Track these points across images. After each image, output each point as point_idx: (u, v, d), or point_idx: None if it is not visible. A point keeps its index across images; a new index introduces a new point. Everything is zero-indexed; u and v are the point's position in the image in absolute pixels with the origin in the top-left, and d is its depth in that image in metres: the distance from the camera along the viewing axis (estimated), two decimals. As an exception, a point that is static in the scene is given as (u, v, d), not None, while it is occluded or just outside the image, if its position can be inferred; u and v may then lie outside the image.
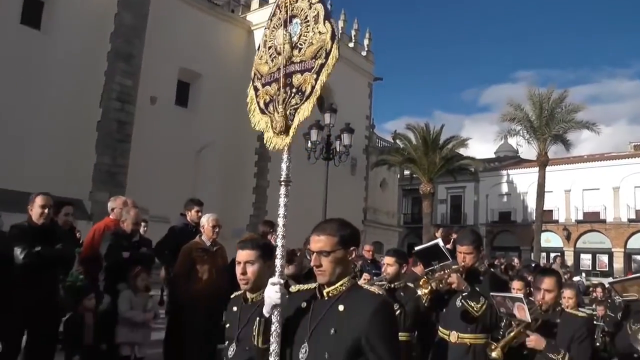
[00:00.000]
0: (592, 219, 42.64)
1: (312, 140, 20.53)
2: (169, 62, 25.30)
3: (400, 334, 5.44)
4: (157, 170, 23.42)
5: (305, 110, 3.10)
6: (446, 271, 5.13)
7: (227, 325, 3.65)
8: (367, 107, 38.39)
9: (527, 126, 34.85)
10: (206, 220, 7.25)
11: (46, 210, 6.12)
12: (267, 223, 8.75)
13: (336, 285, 2.94)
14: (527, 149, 42.24)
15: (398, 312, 5.42)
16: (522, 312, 4.42)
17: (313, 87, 3.07)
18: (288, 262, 7.58)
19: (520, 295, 4.68)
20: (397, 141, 37.15)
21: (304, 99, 3.11)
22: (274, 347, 2.96)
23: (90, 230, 7.65)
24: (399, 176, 43.78)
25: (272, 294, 2.96)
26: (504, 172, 48.72)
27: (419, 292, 5.16)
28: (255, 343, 3.08)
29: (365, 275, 6.21)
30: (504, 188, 48.57)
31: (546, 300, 4.60)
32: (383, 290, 5.46)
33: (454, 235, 12.80)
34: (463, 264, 5.18)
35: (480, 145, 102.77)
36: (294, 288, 3.21)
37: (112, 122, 22.66)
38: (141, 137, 23.17)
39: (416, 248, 5.78)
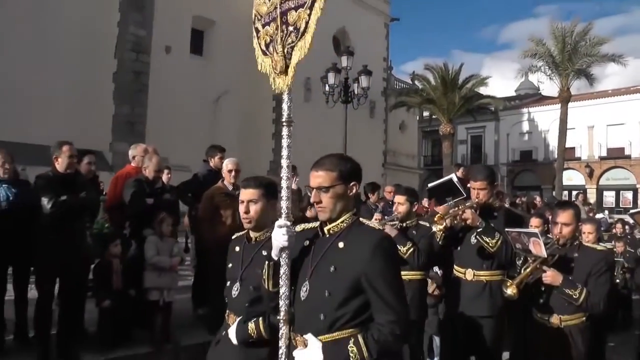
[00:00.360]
0: (616, 155, 42.12)
1: (329, 83, 20.41)
2: (182, 10, 24.94)
3: (414, 272, 5.63)
4: (175, 119, 23.40)
5: (302, 48, 3.00)
6: (460, 207, 5.07)
7: (230, 266, 3.65)
8: (384, 48, 37.74)
9: (549, 62, 34.07)
10: (225, 165, 7.30)
11: (74, 159, 6.21)
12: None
13: (337, 222, 2.89)
14: (549, 86, 41.40)
15: (411, 250, 5.45)
16: (538, 248, 4.35)
17: (307, 23, 2.96)
18: (308, 204, 7.68)
19: (536, 230, 4.56)
20: (416, 82, 36.82)
21: (299, 36, 3.01)
22: (283, 290, 2.92)
23: (112, 179, 7.70)
24: (418, 118, 43.39)
25: (279, 236, 2.88)
26: (525, 110, 48.10)
27: (434, 229, 5.16)
28: (266, 287, 3.04)
29: (377, 215, 6.11)
30: (525, 126, 48.06)
31: (563, 234, 4.50)
32: (396, 228, 5.63)
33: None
34: (477, 200, 5.09)
35: (500, 83, 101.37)
36: (298, 228, 3.12)
37: (128, 72, 22.56)
38: (158, 87, 23.09)
39: (430, 185, 5.74)
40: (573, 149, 42.28)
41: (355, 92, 20.70)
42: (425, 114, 41.13)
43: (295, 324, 2.90)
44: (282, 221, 2.94)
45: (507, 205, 5.54)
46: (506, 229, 4.76)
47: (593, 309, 4.26)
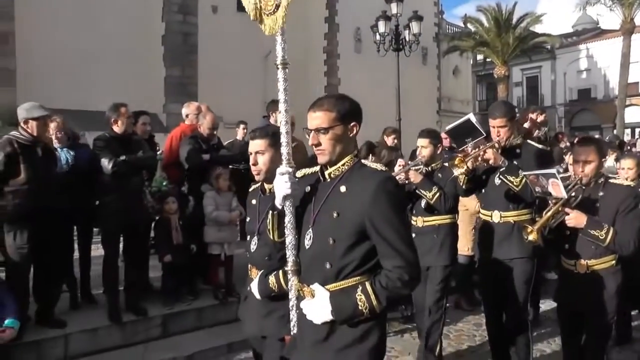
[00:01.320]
0: (684, 87, 40.22)
1: (380, 32, 20.18)
2: (226, -32, 24.85)
3: (442, 217, 5.53)
4: (226, 78, 23.48)
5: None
6: (481, 147, 4.88)
7: (248, 219, 3.59)
8: (434, -8, 36.89)
9: (609, -8, 32.56)
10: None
11: (130, 120, 6.36)
12: (393, 131, 8.81)
13: (338, 165, 2.75)
14: (609, 19, 39.69)
15: (437, 195, 5.32)
16: (557, 189, 4.10)
17: None
18: (369, 152, 7.67)
19: (553, 170, 4.24)
20: (468, 25, 35.90)
21: None
22: (289, 239, 2.81)
23: (167, 137, 7.81)
24: (471, 62, 42.42)
25: (281, 184, 2.76)
26: (583, 46, 46.22)
27: (455, 173, 4.95)
28: (272, 237, 2.97)
29: (400, 161, 5.88)
30: (583, 64, 46.27)
31: (586, 172, 4.19)
32: (420, 173, 5.52)
33: (532, 115, 12.51)
34: (498, 138, 4.87)
35: (557, 20, 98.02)
36: (299, 173, 3.00)
37: (176, 34, 22.66)
38: (207, 47, 23.14)
39: (448, 127, 5.52)
40: (636, 84, 40.45)
41: (407, 39, 20.41)
42: (479, 57, 40.34)
43: (302, 274, 2.80)
44: (283, 168, 2.81)
45: (530, 143, 5.11)
46: (524, 173, 4.56)
47: (622, 249, 4.01)
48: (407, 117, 20.57)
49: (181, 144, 7.11)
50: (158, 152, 8.16)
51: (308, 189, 2.86)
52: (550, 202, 4.20)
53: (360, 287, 2.58)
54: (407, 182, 5.46)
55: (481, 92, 50.71)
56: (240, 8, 23.75)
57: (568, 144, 11.83)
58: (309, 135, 2.76)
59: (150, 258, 7.12)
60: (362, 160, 2.80)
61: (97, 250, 6.85)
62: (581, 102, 45.69)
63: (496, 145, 4.86)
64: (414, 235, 5.51)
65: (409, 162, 5.85)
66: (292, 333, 2.90)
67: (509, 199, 4.87)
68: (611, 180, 4.34)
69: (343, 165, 2.74)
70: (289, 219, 2.80)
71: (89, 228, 6.88)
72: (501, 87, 32.86)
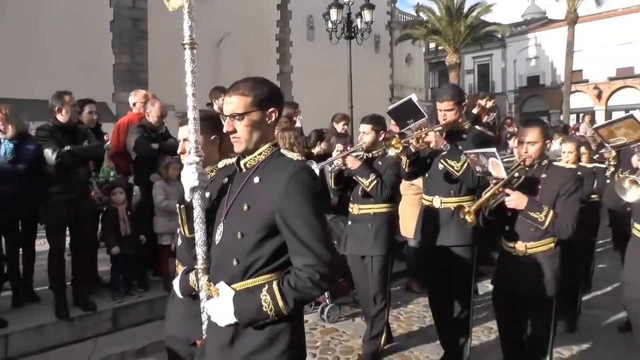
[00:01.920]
0: (626, 75, 41.45)
1: (332, 20, 20.13)
2: (177, -48, 24.46)
3: (379, 205, 5.40)
4: (177, 66, 22.46)
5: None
6: (423, 129, 4.74)
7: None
8: (386, -20, 37.05)
9: (555, -17, 33.46)
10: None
11: (75, 109, 6.17)
12: (290, 104, 8.70)
13: (254, 155, 2.55)
14: (556, 9, 40.62)
15: (374, 183, 5.18)
16: (497, 169, 4.04)
17: None
18: (319, 140, 7.63)
19: (493, 149, 4.15)
20: (420, 14, 36.12)
21: None
22: (198, 235, 2.59)
23: (114, 127, 7.63)
24: (424, 50, 42.91)
25: (188, 175, 2.59)
26: (532, 35, 47.21)
27: (390, 153, 4.86)
28: (183, 232, 2.85)
29: (339, 146, 5.79)
30: (532, 52, 47.29)
31: (530, 153, 4.13)
32: (360, 159, 5.36)
33: (481, 101, 12.69)
34: (444, 121, 4.79)
35: (506, 10, 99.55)
36: (221, 163, 2.90)
37: (125, 20, 22.19)
38: (158, 34, 22.68)
39: (390, 107, 5.31)
40: (581, 71, 41.60)
41: (359, 27, 20.40)
42: (431, 45, 40.63)
43: (211, 271, 2.60)
44: (190, 157, 2.63)
45: (478, 128, 5.21)
46: (465, 151, 4.50)
47: (560, 232, 3.98)
48: (359, 104, 20.54)
49: (129, 133, 6.96)
50: (106, 142, 7.98)
51: (225, 180, 2.69)
52: (490, 182, 4.13)
53: (267, 287, 2.37)
54: (344, 167, 5.35)
55: (433, 79, 51.25)
56: (191, -7, 23.23)
57: (516, 129, 11.98)
58: (224, 121, 2.60)
59: (100, 251, 6.97)
60: (282, 150, 2.60)
61: (43, 245, 6.62)
62: (530, 88, 46.82)
63: (442, 127, 4.79)
64: (349, 222, 5.65)
65: (348, 147, 5.72)
66: (203, 337, 2.71)
67: (450, 184, 4.84)
68: (554, 163, 4.32)
69: (260, 154, 2.55)
70: (197, 212, 2.60)
71: (33, 222, 6.60)
72: (453, 74, 33.25)
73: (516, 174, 4.13)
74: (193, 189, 2.59)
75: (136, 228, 6.63)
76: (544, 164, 4.19)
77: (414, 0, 40.83)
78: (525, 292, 4.13)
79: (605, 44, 41.26)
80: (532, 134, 4.12)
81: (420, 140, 4.70)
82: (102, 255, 6.85)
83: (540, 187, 4.09)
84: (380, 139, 5.39)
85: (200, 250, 2.61)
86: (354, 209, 5.55)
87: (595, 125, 3.90)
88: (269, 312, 2.35)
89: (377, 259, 5.40)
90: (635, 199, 3.15)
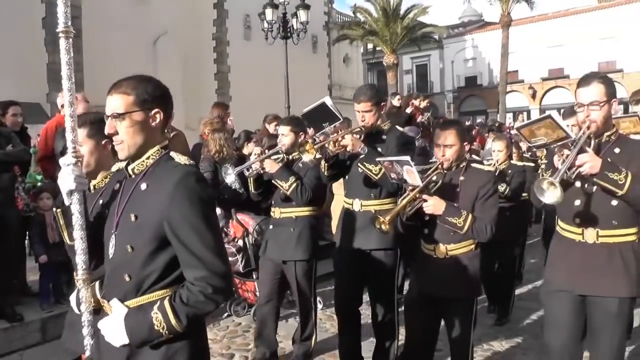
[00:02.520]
0: (557, 75, 42.84)
1: (267, 19, 20.10)
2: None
3: (301, 209, 5.29)
4: (114, 64, 22.53)
5: None
6: (339, 133, 4.60)
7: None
8: (324, -19, 37.19)
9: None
10: None
11: None
12: (220, 105, 8.67)
13: (142, 159, 2.36)
14: (492, 12, 41.79)
15: (294, 186, 5.06)
16: (412, 176, 3.91)
17: None
18: (247, 140, 7.57)
19: (407, 157, 3.96)
20: (358, 14, 36.41)
21: None
22: (78, 243, 2.39)
23: (42, 130, 7.41)
24: (362, 50, 43.34)
25: (65, 177, 2.38)
26: (469, 36, 48.42)
27: (305, 159, 4.70)
28: (65, 240, 2.63)
29: (256, 150, 5.53)
30: (469, 53, 48.43)
31: (447, 157, 4.02)
32: (279, 162, 5.18)
33: (415, 101, 12.83)
34: (362, 123, 4.64)
35: (444, 11, 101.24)
36: (114, 167, 2.72)
37: (56, 17, 21.60)
38: (92, 32, 22.22)
39: (304, 110, 5.10)
40: (516, 72, 42.97)
41: (295, 27, 20.42)
42: (369, 46, 41.01)
43: (104, 287, 2.43)
44: (67, 158, 2.41)
45: (399, 129, 5.02)
46: (378, 159, 4.38)
47: (479, 235, 3.92)
48: (297, 104, 20.55)
49: (55, 137, 6.72)
50: (32, 146, 7.74)
51: (117, 186, 2.49)
52: (407, 189, 4.00)
53: (158, 304, 2.21)
54: (263, 171, 5.22)
55: (372, 79, 51.75)
56: (128, -10, 22.67)
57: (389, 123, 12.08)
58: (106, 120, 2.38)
59: (28, 259, 6.77)
60: (172, 153, 2.40)
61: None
62: (468, 88, 48.08)
63: (362, 130, 4.65)
64: (271, 226, 5.53)
65: (266, 150, 5.53)
66: (86, 354, 2.50)
67: (370, 187, 4.70)
68: (473, 165, 4.24)
69: (148, 158, 2.35)
70: (76, 218, 2.39)
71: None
72: (390, 74, 33.63)
73: (434, 178, 4.05)
74: (70, 192, 2.39)
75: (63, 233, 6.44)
76: (462, 166, 4.12)
77: (352, 0, 41.01)
78: (445, 295, 4.05)
79: (538, 46, 42.59)
80: (449, 136, 4.03)
81: (336, 144, 4.53)
82: (32, 263, 6.63)
83: (458, 189, 4.04)
84: (300, 140, 5.17)
85: (80, 260, 2.41)
86: (276, 212, 5.43)
87: (517, 125, 3.84)
88: (161, 331, 2.20)
89: (301, 264, 5.30)
90: (552, 200, 3.12)
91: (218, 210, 6.77)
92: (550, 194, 3.11)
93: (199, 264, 2.20)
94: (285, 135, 5.25)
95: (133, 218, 2.28)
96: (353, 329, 5.11)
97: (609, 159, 3.29)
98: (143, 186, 2.32)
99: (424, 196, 3.91)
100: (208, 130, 7.54)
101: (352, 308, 5.06)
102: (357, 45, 40.06)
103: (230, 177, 5.20)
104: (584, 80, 3.43)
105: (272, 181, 5.22)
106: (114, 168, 2.72)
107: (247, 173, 5.33)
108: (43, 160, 7.18)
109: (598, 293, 3.41)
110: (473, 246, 4.09)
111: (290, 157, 5.31)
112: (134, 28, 24.12)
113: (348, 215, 4.92)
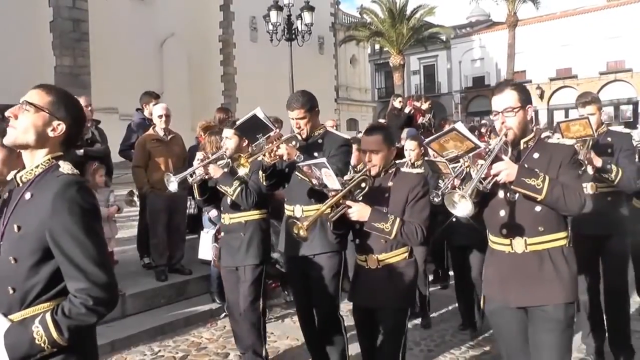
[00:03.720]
0: (565, 75, 42.74)
1: (272, 22, 20.24)
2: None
3: (250, 212, 5.14)
4: (121, 67, 22.92)
5: None
6: (275, 142, 4.46)
7: None
8: (330, -18, 37.32)
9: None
10: (154, 111, 7.33)
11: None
12: (223, 110, 8.77)
13: (31, 167, 2.31)
14: (499, 12, 41.88)
15: (238, 190, 4.92)
16: (331, 180, 3.73)
17: None
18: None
19: (323, 159, 3.83)
20: (364, 16, 36.52)
21: None
22: None
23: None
24: (369, 51, 43.41)
25: None
26: (476, 37, 48.32)
27: (240, 172, 4.58)
28: None
29: (199, 154, 5.27)
30: (477, 53, 48.34)
31: (374, 162, 3.88)
32: (222, 167, 5.04)
33: (415, 103, 12.95)
34: (298, 131, 4.56)
35: (452, 11, 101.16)
36: (10, 175, 2.59)
37: (65, 21, 21.85)
38: (100, 35, 22.48)
39: (237, 123, 4.85)
40: (524, 72, 42.85)
41: (299, 29, 20.55)
42: (376, 47, 41.10)
43: None
44: None
45: (331, 130, 4.91)
46: (297, 164, 4.27)
47: (410, 239, 3.74)
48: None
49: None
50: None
51: (6, 195, 2.42)
52: (329, 194, 3.80)
53: (40, 317, 2.16)
54: (206, 177, 5.09)
55: (380, 80, 51.88)
56: (135, -6, 22.82)
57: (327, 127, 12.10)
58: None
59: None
60: (60, 162, 2.33)
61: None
62: (476, 89, 47.90)
63: (296, 138, 4.59)
64: (222, 233, 5.46)
65: (209, 155, 5.31)
66: None
67: (311, 194, 4.51)
68: (402, 169, 4.13)
69: (37, 167, 2.30)
70: None
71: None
72: (397, 75, 33.71)
73: (362, 184, 3.86)
74: None
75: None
76: (391, 171, 3.98)
77: (360, 2, 41.07)
78: (377, 306, 3.92)
79: (546, 46, 42.51)
80: (374, 142, 3.90)
81: (272, 154, 4.41)
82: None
83: (388, 195, 3.88)
84: (245, 144, 5.10)
85: None
86: (225, 218, 5.31)
87: (426, 140, 3.54)
88: (43, 345, 2.14)
89: (250, 269, 5.18)
90: (464, 213, 2.97)
91: (215, 212, 6.89)
92: (462, 207, 2.97)
93: (80, 275, 2.16)
94: (229, 139, 5.17)
95: (16, 229, 2.21)
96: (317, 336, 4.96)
97: (526, 165, 3.22)
98: (27, 196, 2.26)
99: (348, 202, 3.72)
100: (204, 133, 7.66)
101: (312, 314, 4.90)
102: (364, 46, 40.15)
103: (172, 184, 5.01)
104: (497, 89, 3.40)
105: (217, 187, 5.10)
106: (9, 176, 2.59)
107: (190, 180, 5.14)
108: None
109: (532, 303, 3.33)
110: (407, 254, 3.95)
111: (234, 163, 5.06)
112: (140, 30, 24.35)
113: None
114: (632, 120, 39.39)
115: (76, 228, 2.16)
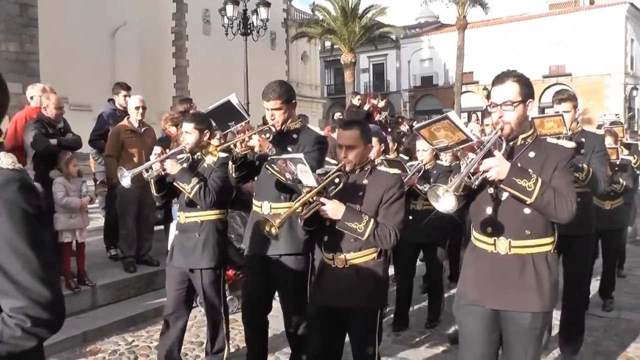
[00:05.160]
0: (511, 77, 43.95)
1: (228, 16, 20.22)
2: None
3: (206, 213, 4.90)
4: (71, 56, 22.45)
5: None
6: (247, 132, 4.24)
7: None
8: (284, -22, 37.37)
9: (446, -9, 35.27)
10: (130, 102, 7.34)
11: None
12: (185, 100, 8.84)
13: None
14: (448, 14, 42.79)
15: (196, 188, 4.70)
16: (307, 176, 3.58)
17: None
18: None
19: (300, 155, 3.66)
20: (316, 12, 36.74)
21: None
22: None
23: (11, 120, 7.45)
24: (320, 48, 43.62)
25: None
26: (425, 37, 49.29)
27: (207, 161, 4.57)
28: None
29: (156, 149, 4.91)
30: (426, 53, 49.29)
31: (349, 158, 3.71)
32: (181, 163, 4.85)
33: (373, 101, 13.29)
34: (272, 122, 4.35)
35: (403, 12, 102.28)
36: None
37: (11, 5, 21.11)
38: (49, 21, 21.84)
39: (209, 108, 4.58)
40: (471, 73, 43.93)
41: (255, 24, 20.59)
42: (327, 44, 41.40)
43: None
44: None
45: (310, 128, 4.69)
46: (271, 157, 4.10)
47: (382, 241, 3.60)
48: (255, 100, 20.61)
49: (25, 129, 6.80)
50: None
51: None
52: (302, 190, 3.67)
53: None
54: (163, 173, 4.81)
55: (329, 77, 52.27)
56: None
57: (407, 127, 12.61)
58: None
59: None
60: (1, 154, 1.94)
61: None
62: (424, 88, 49.06)
63: (270, 129, 4.37)
64: (177, 232, 5.14)
65: (167, 150, 5.03)
66: None
67: (280, 189, 4.36)
68: (379, 168, 3.98)
69: None
70: None
71: None
72: (348, 73, 34.14)
73: (336, 180, 3.70)
74: None
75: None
76: (367, 168, 3.83)
77: (313, -2, 41.21)
78: (345, 306, 3.76)
79: (493, 49, 43.61)
80: (351, 137, 3.75)
81: (243, 144, 4.20)
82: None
83: (362, 193, 3.73)
84: (205, 138, 4.87)
85: None
86: (181, 217, 5.04)
87: (417, 126, 3.33)
88: None
89: (207, 272, 4.94)
90: (447, 208, 2.84)
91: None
92: (445, 202, 2.84)
93: (17, 292, 1.79)
94: (189, 133, 4.91)
95: None
96: (260, 340, 4.85)
97: (519, 164, 3.05)
98: None
99: (322, 199, 3.57)
100: (170, 125, 7.70)
101: (260, 318, 4.78)
102: (315, 43, 40.37)
103: (125, 179, 4.73)
104: (498, 79, 3.24)
105: (174, 183, 4.84)
106: None
107: (146, 175, 4.86)
108: (13, 151, 7.23)
109: (509, 308, 3.21)
110: (376, 254, 3.79)
111: (196, 157, 4.97)
112: (92, 18, 23.91)
113: (257, 219, 4.43)
114: (572, 122, 40.92)
115: (14, 235, 1.79)
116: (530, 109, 3.22)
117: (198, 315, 6.79)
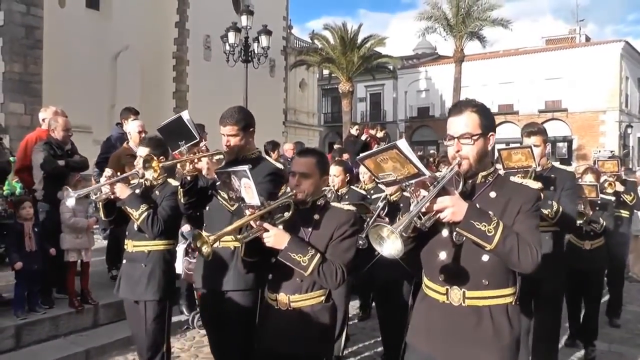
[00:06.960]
0: (506, 111, 44.27)
1: (230, 43, 20.51)
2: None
3: (155, 242, 4.66)
4: (74, 78, 22.66)
5: None
6: (197, 154, 4.05)
7: None
8: (284, 7, 37.71)
9: (444, 24, 35.89)
10: (132, 127, 7.54)
11: None
12: (199, 126, 8.99)
13: None
14: (445, 46, 43.25)
15: (145, 215, 4.44)
16: (250, 193, 3.25)
17: None
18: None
19: (245, 167, 3.28)
20: (315, 41, 37.18)
21: None
22: None
23: (22, 141, 7.63)
24: (318, 76, 44.04)
25: None
26: (422, 68, 49.70)
27: (147, 176, 4.35)
28: None
29: (107, 171, 4.71)
30: (422, 84, 49.68)
31: (302, 188, 3.42)
32: (132, 187, 4.67)
33: (370, 131, 13.57)
34: (227, 147, 4.18)
35: (401, 42, 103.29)
36: None
37: (17, 27, 21.41)
38: (54, 43, 22.13)
39: (161, 124, 4.33)
40: (467, 105, 44.38)
41: (256, 52, 20.87)
42: (325, 72, 41.81)
43: None
44: None
45: (267, 159, 4.58)
46: (216, 170, 3.87)
47: (327, 279, 3.28)
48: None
49: (34, 150, 6.97)
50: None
51: None
52: (245, 211, 3.34)
53: None
54: (112, 196, 4.58)
55: (327, 105, 52.70)
56: (90, 4, 23.02)
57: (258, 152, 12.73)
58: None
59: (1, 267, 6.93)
60: None
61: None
62: (420, 119, 49.33)
63: (224, 155, 4.20)
64: (124, 261, 4.82)
65: (119, 173, 4.85)
66: None
67: (230, 219, 3.87)
68: (333, 204, 3.69)
69: None
70: None
71: None
72: (345, 102, 34.55)
73: (285, 211, 3.42)
74: None
75: (42, 244, 6.61)
76: (319, 203, 3.55)
77: (312, 25, 41.62)
78: (286, 352, 3.47)
79: (489, 82, 44.09)
80: (306, 165, 3.48)
81: (191, 165, 4.00)
82: (5, 272, 6.78)
83: (310, 228, 3.45)
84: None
85: None
86: (129, 245, 4.78)
87: (360, 156, 2.83)
88: None
89: (151, 305, 4.65)
90: (392, 253, 2.44)
91: (187, 227, 7.11)
92: (390, 245, 2.44)
93: None
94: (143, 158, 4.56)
95: None
96: None
97: (478, 205, 2.70)
98: None
99: (265, 225, 3.26)
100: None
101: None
102: (314, 71, 40.74)
103: (70, 200, 4.58)
104: (456, 108, 2.89)
105: (122, 208, 4.60)
106: None
107: (93, 197, 4.76)
108: (21, 171, 7.41)
109: None
110: (323, 298, 3.51)
111: (149, 182, 4.72)
112: (95, 41, 24.20)
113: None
114: (567, 157, 41.23)
115: None
116: (492, 144, 2.89)
117: (197, 336, 6.92)
